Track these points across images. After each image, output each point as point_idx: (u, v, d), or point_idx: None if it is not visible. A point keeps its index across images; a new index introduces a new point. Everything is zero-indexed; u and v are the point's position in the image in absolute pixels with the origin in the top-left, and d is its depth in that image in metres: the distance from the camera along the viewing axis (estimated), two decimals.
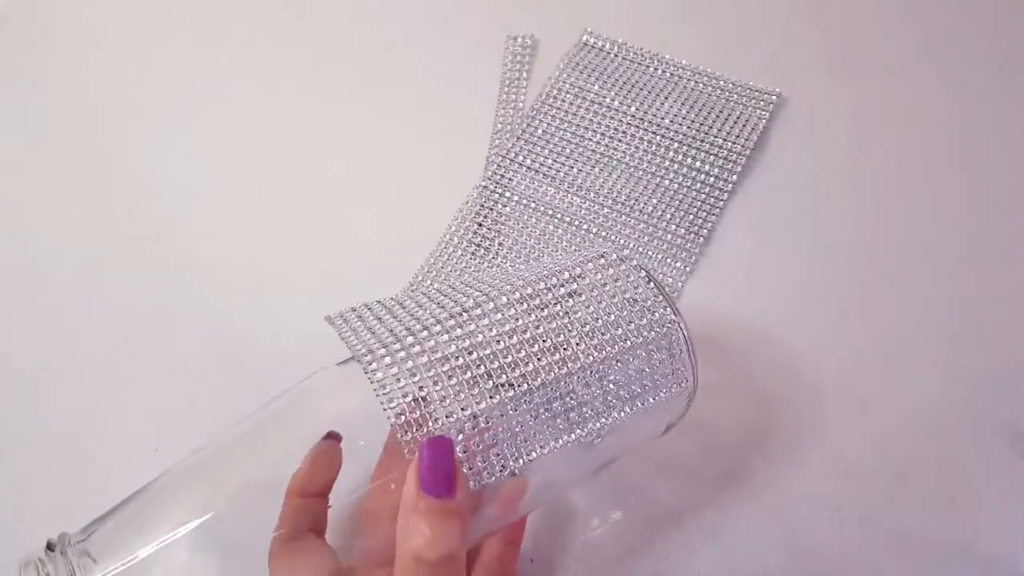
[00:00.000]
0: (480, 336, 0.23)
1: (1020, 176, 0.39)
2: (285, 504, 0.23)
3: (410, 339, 0.23)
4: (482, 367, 0.23)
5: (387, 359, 0.23)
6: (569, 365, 0.24)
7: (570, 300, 0.25)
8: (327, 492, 0.24)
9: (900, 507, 0.31)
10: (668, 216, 0.38)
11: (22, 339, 0.36)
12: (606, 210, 0.38)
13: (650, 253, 0.37)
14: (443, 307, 0.25)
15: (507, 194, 0.39)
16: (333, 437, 0.24)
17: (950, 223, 0.38)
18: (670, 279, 0.36)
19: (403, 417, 0.22)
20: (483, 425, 0.22)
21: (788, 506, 0.31)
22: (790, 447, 0.33)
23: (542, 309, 0.25)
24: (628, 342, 0.25)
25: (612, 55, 0.42)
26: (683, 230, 0.37)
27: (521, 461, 0.23)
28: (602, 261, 0.27)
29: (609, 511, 0.31)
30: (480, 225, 0.38)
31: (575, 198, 0.38)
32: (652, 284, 0.26)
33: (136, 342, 0.36)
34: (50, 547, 0.22)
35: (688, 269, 0.37)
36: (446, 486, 0.20)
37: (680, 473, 0.32)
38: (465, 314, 0.24)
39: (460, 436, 0.22)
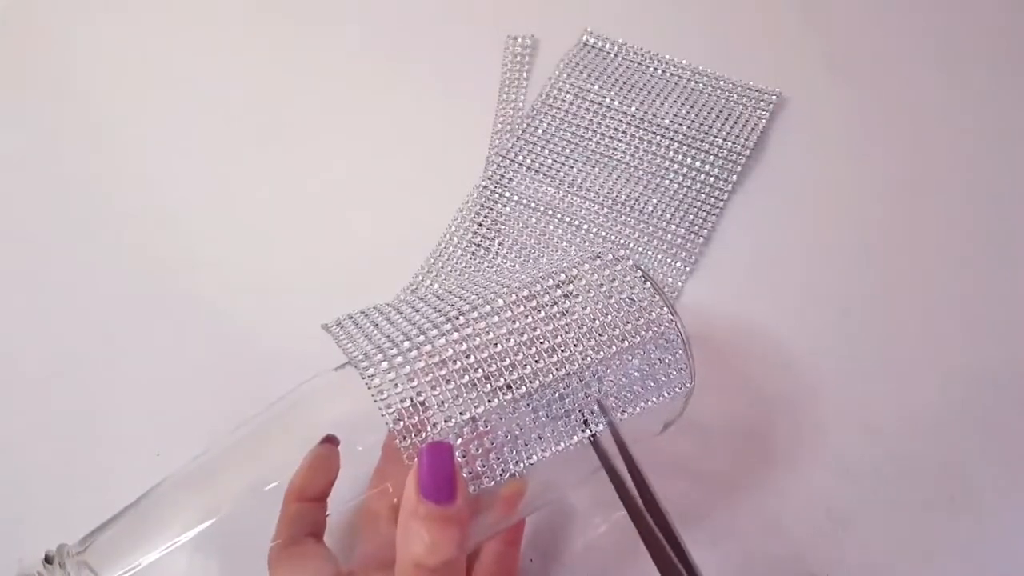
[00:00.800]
0: (477, 339, 0.23)
1: (1020, 176, 0.38)
2: (283, 509, 0.23)
3: (407, 344, 0.23)
4: (480, 370, 0.23)
5: (384, 364, 0.22)
6: (567, 366, 0.23)
7: (567, 301, 0.25)
8: (325, 496, 0.23)
9: (900, 507, 0.31)
10: (668, 216, 0.37)
11: (22, 340, 0.36)
12: (606, 210, 0.38)
13: (650, 253, 0.37)
14: (440, 311, 0.24)
15: (507, 194, 0.38)
16: (330, 441, 0.24)
17: (950, 223, 0.37)
18: (670, 279, 0.36)
19: (401, 423, 0.21)
20: (482, 429, 0.22)
21: (787, 505, 0.31)
22: (790, 447, 0.32)
23: (539, 311, 0.24)
24: (626, 343, 0.24)
25: (612, 55, 0.42)
26: (683, 230, 0.37)
27: (522, 465, 0.22)
28: (598, 261, 0.26)
29: (609, 511, 0.31)
30: (480, 225, 0.38)
31: (575, 198, 0.38)
32: (648, 284, 0.26)
33: (136, 343, 0.35)
34: (48, 560, 0.22)
35: (688, 269, 0.36)
36: (446, 492, 0.20)
37: (679, 473, 0.32)
38: (462, 317, 0.24)
39: (459, 440, 0.22)
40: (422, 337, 0.23)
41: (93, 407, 0.34)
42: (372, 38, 0.44)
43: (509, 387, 0.23)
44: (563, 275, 0.26)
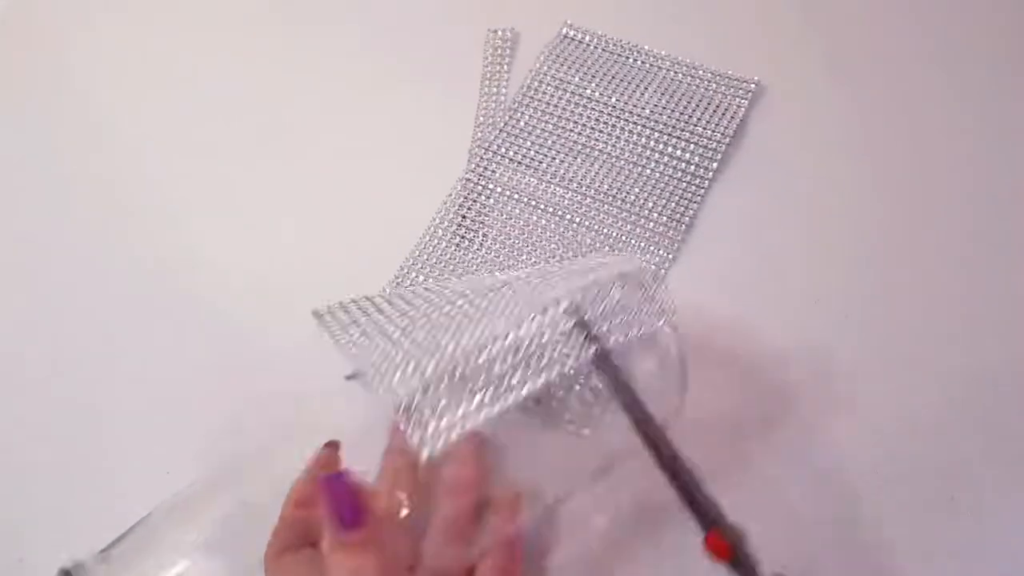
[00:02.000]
0: (466, 339, 0.22)
1: (1020, 176, 0.36)
2: (282, 515, 0.23)
3: (395, 346, 0.22)
4: (463, 370, 0.22)
5: (394, 373, 0.22)
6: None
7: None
8: None
9: (900, 507, 0.30)
10: (650, 205, 0.36)
11: (22, 339, 0.35)
12: (589, 200, 0.37)
13: (633, 241, 0.36)
14: (432, 306, 0.24)
15: (490, 186, 0.38)
16: (332, 445, 0.24)
17: (950, 223, 0.35)
18: (653, 267, 0.35)
19: (399, 422, 0.21)
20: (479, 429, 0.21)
21: (786, 505, 0.30)
22: (787, 446, 0.31)
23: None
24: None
25: (591, 47, 0.41)
26: (665, 218, 0.36)
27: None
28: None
29: (607, 510, 0.30)
30: (464, 217, 0.37)
31: (558, 189, 0.37)
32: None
33: (136, 343, 0.35)
34: None
35: (671, 257, 0.35)
36: (351, 518, 0.21)
37: None
38: (446, 317, 0.23)
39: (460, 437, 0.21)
40: (414, 336, 0.22)
41: (93, 407, 0.33)
42: (355, 33, 0.43)
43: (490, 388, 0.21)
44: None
